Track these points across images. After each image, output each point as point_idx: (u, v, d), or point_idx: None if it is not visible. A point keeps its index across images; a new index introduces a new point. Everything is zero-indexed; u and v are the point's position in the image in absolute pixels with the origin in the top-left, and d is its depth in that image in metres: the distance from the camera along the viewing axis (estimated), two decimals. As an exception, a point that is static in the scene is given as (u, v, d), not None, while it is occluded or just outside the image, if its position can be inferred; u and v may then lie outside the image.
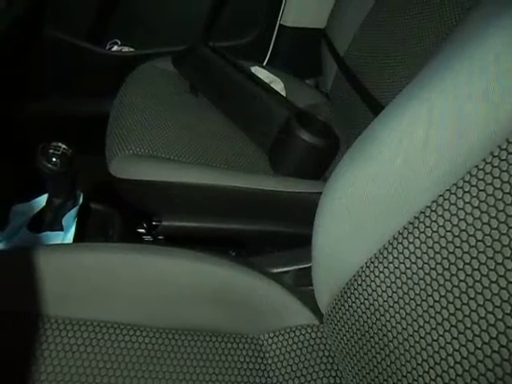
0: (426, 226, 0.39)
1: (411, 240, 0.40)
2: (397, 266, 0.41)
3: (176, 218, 0.67)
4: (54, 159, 0.53)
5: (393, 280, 0.41)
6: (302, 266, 0.54)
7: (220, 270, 0.53)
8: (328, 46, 1.01)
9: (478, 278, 0.35)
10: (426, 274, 0.39)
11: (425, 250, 0.39)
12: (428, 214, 0.40)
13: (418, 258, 0.40)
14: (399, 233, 0.42)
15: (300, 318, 0.54)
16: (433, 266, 0.38)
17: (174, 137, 0.79)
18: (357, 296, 0.46)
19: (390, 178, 0.43)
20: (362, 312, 0.45)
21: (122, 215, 0.70)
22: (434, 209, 0.39)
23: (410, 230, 0.41)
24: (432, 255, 0.39)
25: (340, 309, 0.48)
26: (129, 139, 0.77)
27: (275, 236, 0.69)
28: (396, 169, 0.42)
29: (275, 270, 0.55)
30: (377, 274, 0.43)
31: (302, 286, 0.55)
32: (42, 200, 0.59)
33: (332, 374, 0.50)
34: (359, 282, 0.45)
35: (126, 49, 1.11)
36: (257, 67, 1.05)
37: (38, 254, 0.50)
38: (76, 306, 0.49)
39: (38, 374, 0.44)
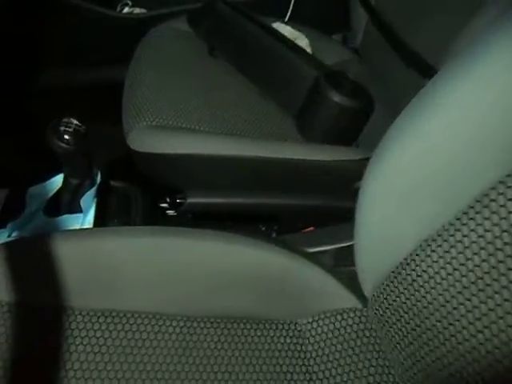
0: (492, 212, 0.34)
1: (472, 227, 0.35)
2: (455, 252, 0.37)
3: (201, 195, 0.62)
4: (66, 137, 0.48)
5: (449, 266, 0.37)
6: (341, 245, 0.50)
7: (253, 251, 0.49)
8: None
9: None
10: (483, 261, 0.34)
11: (485, 236, 0.34)
12: (493, 197, 0.34)
13: (477, 244, 0.35)
14: (456, 218, 0.36)
15: (341, 301, 0.49)
16: (491, 253, 0.34)
17: (194, 104, 0.73)
18: (409, 281, 0.41)
19: (449, 153, 0.37)
20: (414, 297, 0.41)
21: (145, 192, 0.65)
22: (501, 191, 0.33)
23: (471, 216, 0.35)
24: (492, 241, 0.34)
25: (389, 294, 0.43)
26: (146, 109, 0.72)
27: (308, 210, 0.64)
28: (457, 142, 0.36)
29: (312, 250, 0.50)
30: (434, 258, 0.38)
31: (342, 266, 0.50)
32: (58, 180, 0.55)
33: (380, 362, 0.46)
34: (412, 267, 0.40)
35: (137, 10, 1.03)
36: (278, 23, 0.97)
37: (56, 240, 0.46)
38: (100, 296, 0.46)
39: (64, 370, 0.41)
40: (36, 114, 0.61)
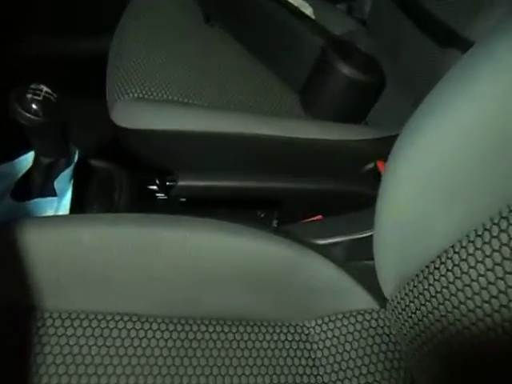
0: None
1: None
2: (489, 252, 0.32)
3: (193, 177, 0.55)
4: (33, 106, 0.41)
5: (482, 268, 0.32)
6: (355, 237, 0.43)
7: (254, 244, 0.42)
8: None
9: None
10: None
11: None
12: None
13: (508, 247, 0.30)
14: (500, 214, 0.31)
15: (356, 301, 0.43)
16: None
17: (186, 76, 0.65)
18: (440, 285, 0.34)
19: (488, 137, 0.30)
20: (443, 302, 0.35)
21: (130, 173, 0.58)
22: None
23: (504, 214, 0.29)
24: None
25: (415, 297, 0.37)
26: (133, 80, 0.64)
27: (314, 195, 0.57)
28: (497, 123, 0.30)
29: (322, 242, 0.43)
30: (469, 260, 0.32)
31: (355, 260, 0.44)
32: (28, 159, 0.48)
33: (401, 374, 0.40)
34: (444, 269, 0.34)
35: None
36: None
37: (24, 229, 0.39)
38: (76, 295, 0.39)
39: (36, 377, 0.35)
40: (11, 85, 0.53)
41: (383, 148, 0.66)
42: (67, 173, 0.47)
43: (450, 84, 0.34)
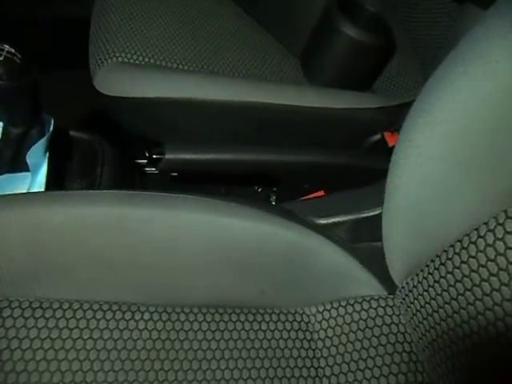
0: None
1: None
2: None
3: (183, 149, 0.50)
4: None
5: (503, 261, 0.29)
6: (361, 216, 0.39)
7: (248, 224, 0.37)
8: None
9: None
10: None
11: None
12: None
13: None
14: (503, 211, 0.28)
15: (361, 286, 0.39)
16: None
17: (174, 37, 0.60)
18: (457, 277, 0.30)
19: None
20: (455, 290, 0.32)
21: (115, 145, 0.53)
22: None
23: None
24: None
25: (430, 284, 0.33)
26: (116, 43, 0.58)
27: (316, 169, 0.52)
28: None
29: (324, 221, 0.39)
30: (482, 249, 0.29)
31: (361, 241, 0.40)
32: (-3, 128, 0.43)
33: (404, 358, 0.36)
34: (463, 258, 0.30)
35: None
36: None
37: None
38: (47, 282, 0.35)
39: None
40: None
41: (390, 118, 0.61)
42: (40, 144, 0.42)
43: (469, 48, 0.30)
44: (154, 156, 0.50)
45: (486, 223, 0.29)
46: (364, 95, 0.61)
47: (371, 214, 0.39)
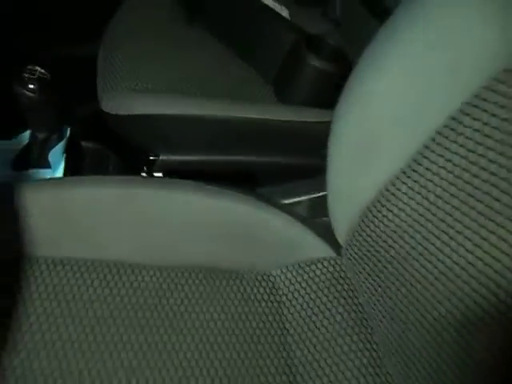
0: (445, 147, 0.34)
1: (433, 159, 0.36)
2: (418, 189, 0.37)
3: (175, 152, 0.61)
4: (30, 85, 0.47)
5: (414, 204, 0.37)
6: (315, 195, 0.49)
7: (224, 201, 0.48)
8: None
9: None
10: (451, 195, 0.35)
11: (446, 171, 0.35)
12: (446, 134, 0.35)
13: (440, 179, 0.35)
14: (419, 153, 0.37)
15: (315, 250, 0.49)
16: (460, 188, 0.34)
17: (169, 69, 0.71)
18: (376, 224, 0.41)
19: (404, 94, 0.37)
20: (384, 240, 0.41)
21: (118, 154, 0.64)
22: (453, 127, 0.34)
23: (432, 148, 0.36)
24: (454, 175, 0.35)
25: (360, 238, 0.43)
26: (120, 73, 0.70)
27: (284, 168, 0.63)
28: (411, 82, 0.37)
29: (287, 201, 0.49)
30: (399, 196, 0.38)
31: (316, 217, 0.50)
32: (26, 136, 0.54)
33: (353, 308, 0.45)
34: (378, 208, 0.40)
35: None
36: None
37: (24, 189, 0.44)
38: (68, 245, 0.45)
39: (28, 320, 0.40)
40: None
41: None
42: (59, 147, 0.53)
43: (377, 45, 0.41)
44: (151, 157, 0.60)
45: (404, 172, 0.37)
46: (326, 111, 0.73)
47: (323, 193, 0.50)
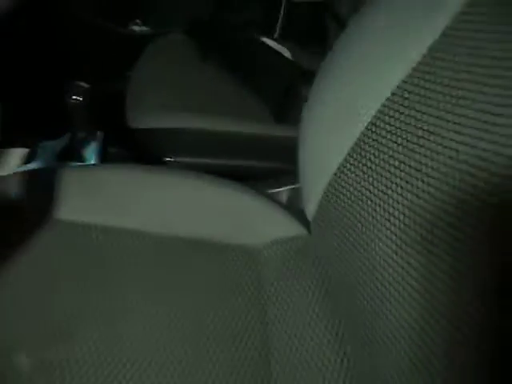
0: (390, 117, 0.41)
1: (382, 127, 0.41)
2: (371, 158, 0.42)
3: (185, 156, 0.75)
4: (76, 97, 0.62)
5: (370, 173, 0.42)
6: (293, 187, 0.60)
7: (219, 186, 0.60)
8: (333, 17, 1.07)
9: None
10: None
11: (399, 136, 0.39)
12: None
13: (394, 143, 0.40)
14: (370, 124, 0.42)
15: (292, 229, 0.59)
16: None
17: (185, 93, 0.86)
18: (337, 196, 0.49)
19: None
20: (343, 214, 0.46)
21: (137, 155, 0.78)
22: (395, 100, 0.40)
23: (383, 115, 0.41)
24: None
25: (325, 213, 0.52)
26: (145, 97, 0.85)
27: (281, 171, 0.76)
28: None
29: (272, 191, 0.61)
30: (352, 170, 0.45)
31: (294, 204, 0.61)
32: (68, 137, 0.69)
33: (322, 281, 0.52)
34: (339, 182, 0.47)
35: (144, 28, 1.19)
36: (266, 39, 1.11)
37: (64, 171, 0.58)
38: (91, 212, 0.56)
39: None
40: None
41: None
42: (93, 146, 0.68)
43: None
44: (166, 159, 0.74)
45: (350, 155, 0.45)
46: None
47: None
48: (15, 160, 0.66)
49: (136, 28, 1.19)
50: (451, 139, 0.34)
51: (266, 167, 0.75)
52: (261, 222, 0.59)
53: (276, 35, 1.21)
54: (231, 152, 0.77)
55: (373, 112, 0.42)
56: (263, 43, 1.02)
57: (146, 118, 0.80)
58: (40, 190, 0.56)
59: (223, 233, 0.58)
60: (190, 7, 1.16)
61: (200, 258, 0.55)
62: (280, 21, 1.18)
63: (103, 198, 0.57)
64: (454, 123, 0.34)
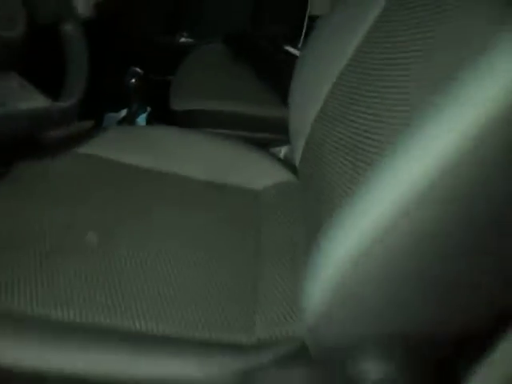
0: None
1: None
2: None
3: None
4: (132, 79, 0.86)
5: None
6: (289, 146, 0.80)
7: (225, 141, 0.81)
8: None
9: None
10: None
11: None
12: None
13: None
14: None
15: (284, 176, 0.78)
16: None
17: (218, 84, 1.08)
18: (313, 143, 0.69)
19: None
20: (315, 155, 0.68)
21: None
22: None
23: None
24: None
25: (305, 159, 0.71)
26: (185, 86, 1.08)
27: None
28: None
29: (271, 150, 0.81)
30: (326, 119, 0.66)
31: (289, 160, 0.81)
32: (125, 110, 0.93)
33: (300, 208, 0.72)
34: (315, 131, 0.68)
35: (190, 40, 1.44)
36: (290, 48, 1.32)
37: (120, 129, 0.81)
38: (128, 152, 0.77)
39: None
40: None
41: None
42: (143, 116, 0.91)
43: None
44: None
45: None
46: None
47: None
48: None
49: (183, 39, 1.44)
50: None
51: (274, 138, 0.95)
52: (260, 169, 0.79)
53: (300, 45, 1.42)
54: (250, 128, 0.98)
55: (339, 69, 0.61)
56: (288, 52, 1.24)
57: (183, 102, 1.03)
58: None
59: (230, 178, 0.76)
60: (227, 22, 1.40)
61: (211, 195, 0.73)
62: (303, 33, 1.39)
63: (144, 145, 0.79)
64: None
